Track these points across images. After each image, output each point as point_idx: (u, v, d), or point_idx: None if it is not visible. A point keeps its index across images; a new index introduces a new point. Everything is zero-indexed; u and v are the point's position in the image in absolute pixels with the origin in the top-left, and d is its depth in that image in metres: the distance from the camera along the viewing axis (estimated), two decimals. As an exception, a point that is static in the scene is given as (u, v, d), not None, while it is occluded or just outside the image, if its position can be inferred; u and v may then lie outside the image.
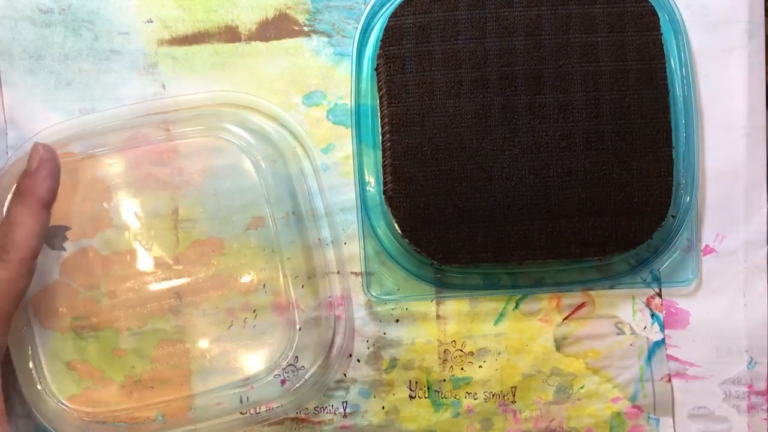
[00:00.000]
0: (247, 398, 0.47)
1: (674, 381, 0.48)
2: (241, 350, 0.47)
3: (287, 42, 0.48)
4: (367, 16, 0.46)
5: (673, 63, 0.46)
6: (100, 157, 0.47)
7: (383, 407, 0.48)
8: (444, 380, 0.48)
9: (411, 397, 0.48)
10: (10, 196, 0.43)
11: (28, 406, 0.46)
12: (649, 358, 0.48)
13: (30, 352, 0.46)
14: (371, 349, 0.48)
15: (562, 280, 0.47)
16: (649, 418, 0.49)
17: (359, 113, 0.47)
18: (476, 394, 0.48)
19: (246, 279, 0.47)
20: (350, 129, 0.47)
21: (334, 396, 0.48)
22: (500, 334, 0.48)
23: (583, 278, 0.47)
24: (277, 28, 0.48)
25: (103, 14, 0.47)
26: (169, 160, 0.47)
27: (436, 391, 0.48)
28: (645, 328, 0.48)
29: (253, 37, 0.48)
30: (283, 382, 0.47)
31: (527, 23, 0.45)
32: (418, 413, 0.48)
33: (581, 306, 0.48)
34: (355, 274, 0.48)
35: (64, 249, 0.47)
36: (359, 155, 0.46)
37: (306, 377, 0.47)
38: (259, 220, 0.47)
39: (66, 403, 0.47)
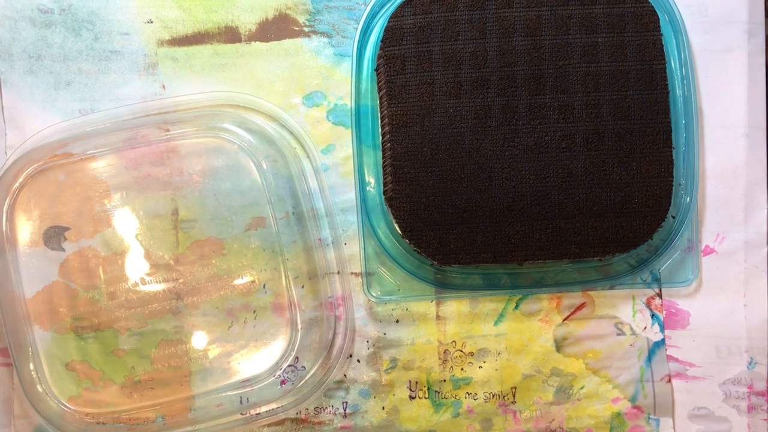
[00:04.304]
0: (247, 399, 0.47)
1: (674, 381, 0.48)
2: (242, 351, 0.47)
3: (287, 42, 0.48)
4: (367, 17, 0.46)
5: (673, 63, 0.46)
6: (100, 157, 0.47)
7: (383, 407, 0.48)
8: (444, 380, 0.48)
9: (411, 397, 0.48)
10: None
11: (28, 406, 0.46)
12: (649, 358, 0.48)
13: (30, 353, 0.46)
14: (371, 349, 0.48)
15: (562, 280, 0.47)
16: (649, 418, 0.49)
17: (359, 114, 0.47)
18: (476, 394, 0.48)
19: (246, 279, 0.47)
20: (350, 129, 0.47)
21: (334, 396, 0.48)
22: (500, 335, 0.48)
23: (583, 278, 0.47)
24: (277, 28, 0.48)
25: (103, 14, 0.47)
26: (169, 160, 0.47)
27: (436, 391, 0.48)
28: (645, 328, 0.48)
29: (253, 37, 0.48)
30: (283, 382, 0.47)
31: (527, 23, 0.45)
32: (418, 413, 0.48)
33: (581, 306, 0.48)
34: (355, 274, 0.48)
35: (63, 249, 0.46)
36: (359, 155, 0.46)
37: (306, 378, 0.47)
38: (259, 221, 0.47)
39: (66, 404, 0.47)
